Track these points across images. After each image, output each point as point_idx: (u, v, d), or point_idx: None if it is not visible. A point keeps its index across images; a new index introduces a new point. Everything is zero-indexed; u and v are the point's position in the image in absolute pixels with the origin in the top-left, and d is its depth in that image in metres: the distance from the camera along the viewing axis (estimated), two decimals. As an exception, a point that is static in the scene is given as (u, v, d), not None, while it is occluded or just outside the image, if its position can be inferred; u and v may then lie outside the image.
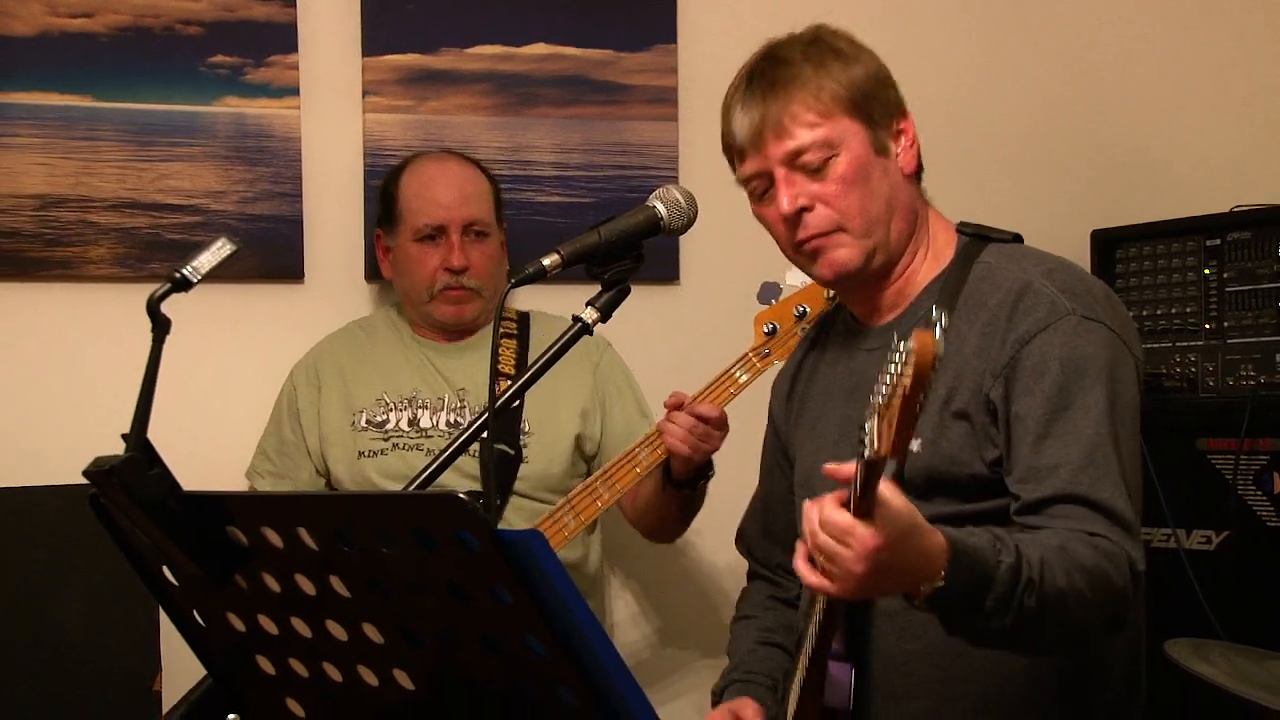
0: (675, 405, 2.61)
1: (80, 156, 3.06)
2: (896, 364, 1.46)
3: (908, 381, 1.44)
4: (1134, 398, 1.99)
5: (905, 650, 1.98)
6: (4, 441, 3.00)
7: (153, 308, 1.63)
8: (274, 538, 1.55)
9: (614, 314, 2.00)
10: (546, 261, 1.94)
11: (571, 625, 1.39)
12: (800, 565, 1.71)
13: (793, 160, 2.04)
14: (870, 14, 3.39)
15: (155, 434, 1.65)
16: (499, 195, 3.03)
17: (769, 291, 2.56)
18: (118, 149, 3.08)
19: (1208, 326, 3.10)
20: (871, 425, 1.50)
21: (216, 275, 2.93)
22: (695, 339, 3.18)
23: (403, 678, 1.57)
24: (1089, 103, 3.59)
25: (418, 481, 1.90)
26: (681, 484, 2.72)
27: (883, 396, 1.49)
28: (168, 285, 1.67)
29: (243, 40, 3.11)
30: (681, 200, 2.01)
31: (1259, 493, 2.95)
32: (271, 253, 3.13)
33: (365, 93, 3.19)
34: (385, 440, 2.92)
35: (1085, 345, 1.95)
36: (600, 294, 1.99)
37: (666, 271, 3.28)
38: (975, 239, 2.12)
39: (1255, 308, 3.02)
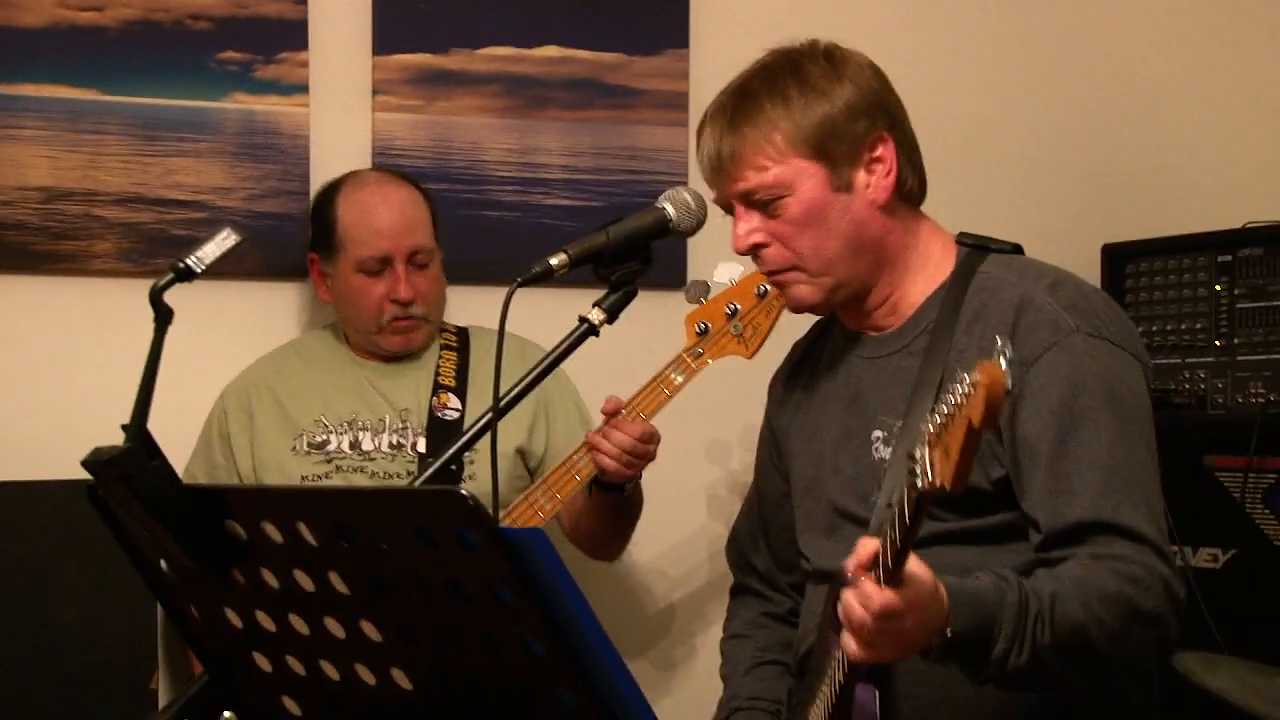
0: (612, 411, 2.56)
1: (86, 150, 3.04)
2: (959, 394, 1.44)
3: (978, 415, 1.42)
4: (1145, 409, 1.98)
5: (928, 668, 1.96)
6: (6, 434, 2.98)
7: (155, 298, 1.61)
8: (273, 533, 1.53)
9: (620, 316, 1.99)
10: (554, 261, 1.93)
11: (572, 625, 1.38)
12: (850, 645, 1.70)
13: (746, 198, 2.03)
14: (882, 25, 3.38)
15: (157, 432, 1.64)
16: (435, 211, 2.96)
17: (697, 290, 2.53)
18: (124, 143, 3.07)
19: (1218, 343, 3.08)
20: (923, 454, 1.48)
21: (222, 272, 2.93)
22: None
23: (400, 677, 1.55)
24: (1100, 116, 3.57)
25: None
26: (608, 488, 2.65)
27: (937, 425, 1.47)
28: (171, 275, 1.66)
29: (253, 36, 3.09)
30: (691, 202, 2.00)
31: (1267, 511, 2.93)
32: (278, 250, 3.11)
33: (375, 91, 3.17)
34: (329, 463, 2.86)
35: (1091, 364, 1.93)
36: (607, 295, 1.98)
37: (673, 277, 3.25)
38: (975, 250, 2.11)
39: (1266, 325, 3.00)
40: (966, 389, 1.43)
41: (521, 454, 2.92)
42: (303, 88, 3.13)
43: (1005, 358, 1.43)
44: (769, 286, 2.44)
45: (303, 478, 2.84)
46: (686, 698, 3.24)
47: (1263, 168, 3.58)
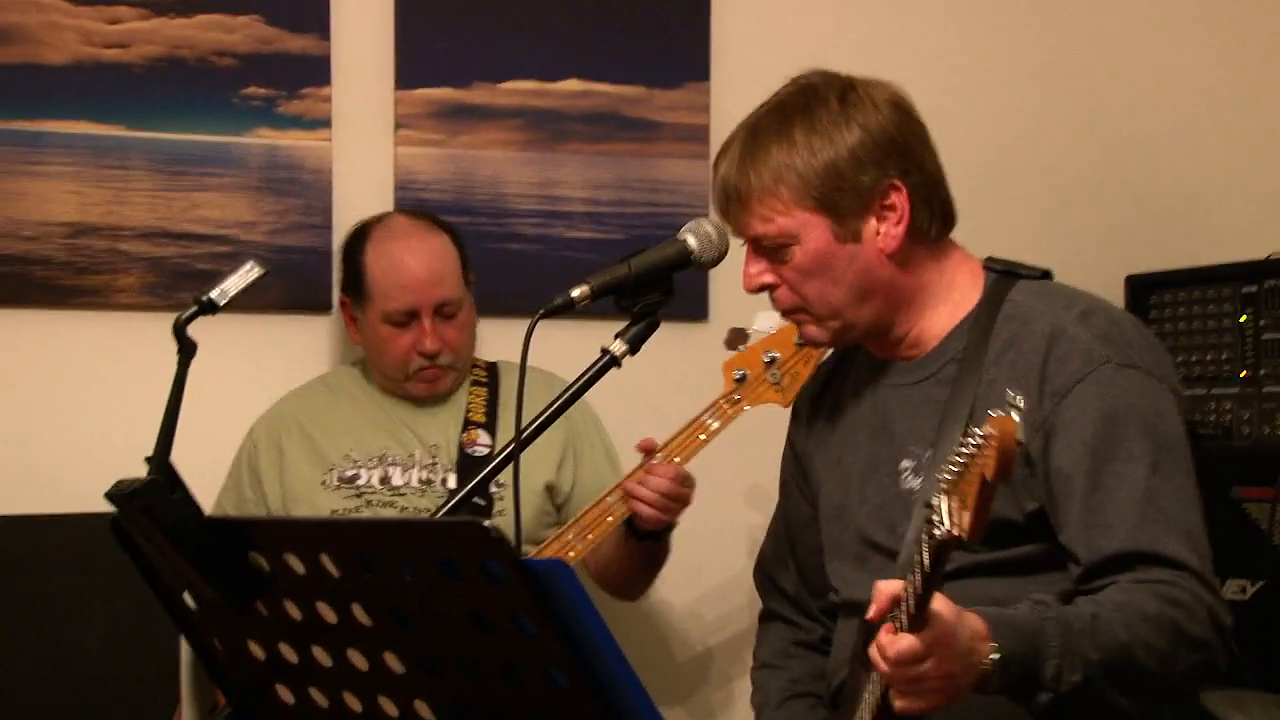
0: (648, 450, 2.56)
1: (111, 185, 3.06)
2: (972, 445, 1.45)
3: (990, 468, 1.43)
4: (1180, 437, 1.96)
5: (960, 706, 1.94)
6: (31, 468, 2.99)
7: (179, 330, 1.62)
8: (296, 564, 1.53)
9: (642, 347, 1.99)
10: (575, 293, 1.93)
11: (596, 657, 1.37)
12: (897, 703, 1.70)
13: (754, 243, 2.04)
14: (906, 54, 3.38)
15: (179, 465, 1.64)
16: (464, 254, 2.95)
17: (736, 337, 2.53)
18: (149, 178, 3.08)
19: (1243, 374, 3.07)
20: (941, 504, 1.49)
21: (243, 305, 2.93)
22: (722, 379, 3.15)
23: (424, 708, 1.55)
24: (1124, 147, 3.56)
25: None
26: (645, 535, 2.65)
27: (952, 474, 1.47)
28: (194, 308, 1.67)
29: (276, 72, 3.11)
30: (713, 233, 2.00)
31: (1291, 542, 2.92)
32: (300, 284, 3.12)
33: (397, 126, 3.19)
34: (359, 497, 2.86)
35: (1123, 394, 1.92)
36: (629, 326, 1.98)
37: (695, 309, 3.26)
38: (1003, 275, 2.10)
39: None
40: (979, 441, 1.44)
41: (550, 490, 2.92)
42: (325, 122, 3.15)
43: (1018, 409, 1.44)
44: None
45: (332, 512, 2.84)
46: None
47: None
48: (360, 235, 2.95)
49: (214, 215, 3.11)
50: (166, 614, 1.72)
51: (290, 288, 3.11)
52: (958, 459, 1.48)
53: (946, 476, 1.49)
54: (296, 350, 3.14)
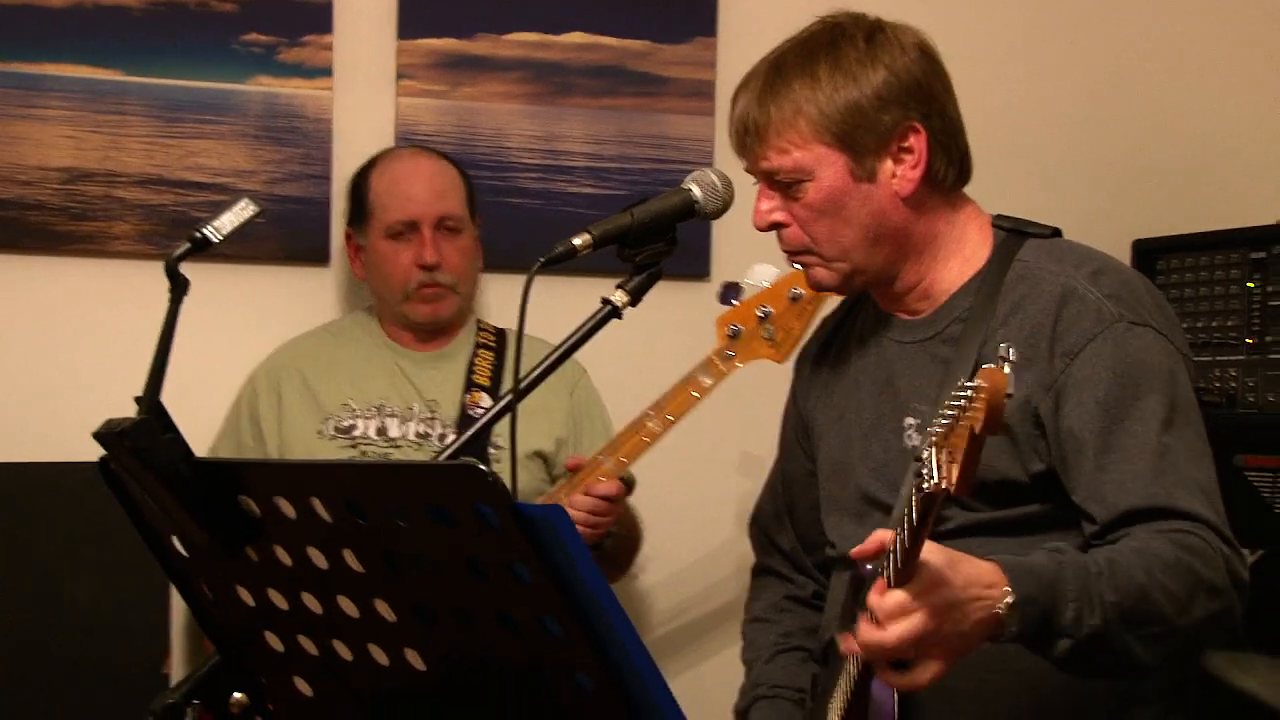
0: (574, 468, 2.54)
1: (108, 131, 3.02)
2: (964, 398, 1.44)
3: (979, 421, 1.41)
4: (1192, 399, 1.94)
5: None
6: (23, 416, 2.97)
7: (171, 268, 1.58)
8: (287, 508, 1.50)
9: (642, 301, 1.96)
10: (577, 241, 1.90)
11: (592, 606, 1.35)
12: (894, 679, 1.68)
13: (768, 177, 2.01)
14: (914, 13, 3.32)
15: (173, 416, 1.61)
16: (472, 190, 2.97)
17: (730, 292, 2.49)
18: (146, 125, 3.05)
19: (1249, 341, 3.04)
20: (930, 456, 1.47)
21: (240, 255, 2.90)
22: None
23: (414, 657, 1.52)
24: (1132, 111, 3.53)
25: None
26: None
27: (943, 427, 1.46)
28: (187, 245, 1.63)
29: (277, 19, 3.07)
30: (717, 183, 1.97)
31: (1293, 511, 2.90)
32: (297, 235, 3.09)
33: (399, 76, 3.15)
34: (354, 448, 2.84)
35: (1136, 352, 1.90)
36: (630, 276, 1.95)
37: (697, 267, 3.23)
38: (1012, 234, 2.07)
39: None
40: (970, 394, 1.43)
41: (544, 460, 2.89)
42: (326, 71, 3.11)
43: (1010, 362, 1.43)
44: (803, 290, 2.41)
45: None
46: (714, 709, 3.21)
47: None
48: (367, 165, 2.97)
49: (212, 163, 3.07)
50: (156, 560, 1.69)
51: (289, 238, 3.08)
52: (948, 412, 1.46)
53: (937, 430, 1.48)
54: (295, 302, 3.11)
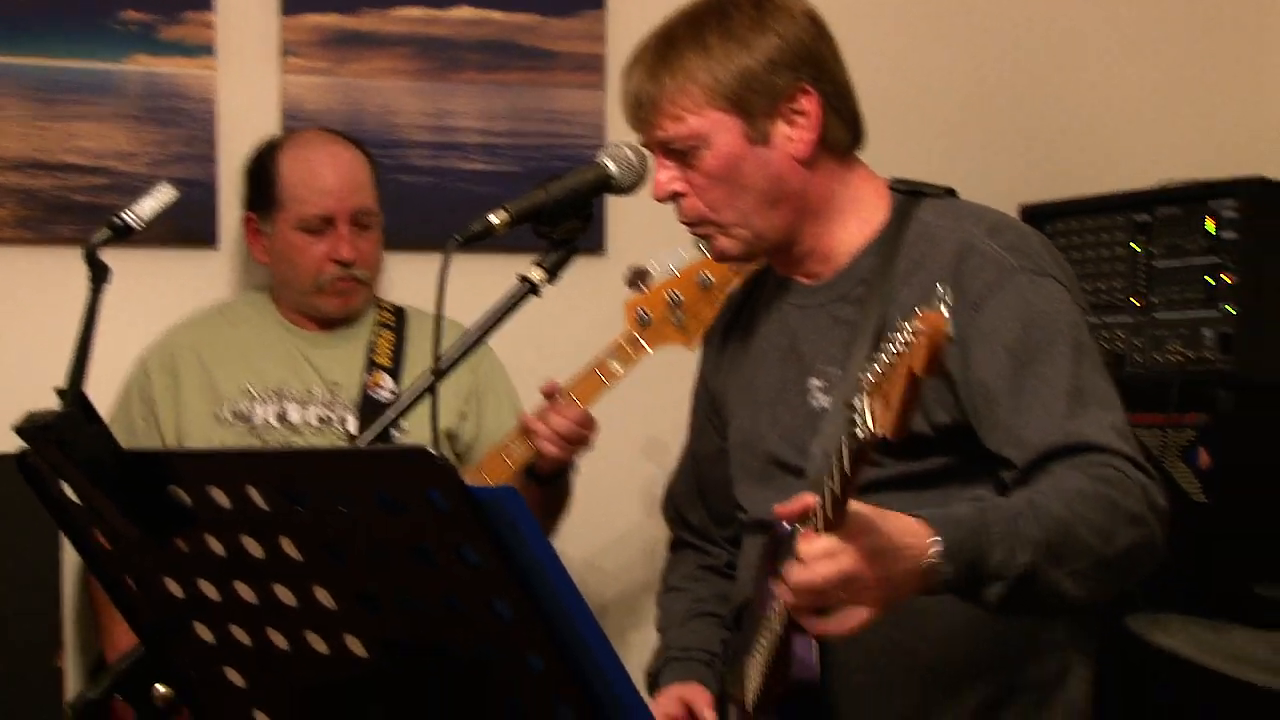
0: (549, 393, 2.52)
1: (-19, 114, 2.93)
2: (899, 343, 1.43)
3: (920, 363, 1.41)
4: (1095, 346, 1.98)
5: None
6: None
7: (91, 255, 1.54)
8: (221, 497, 1.47)
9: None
10: (494, 219, 1.88)
11: (545, 586, 1.34)
12: (819, 626, 1.67)
13: (664, 147, 2.02)
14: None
15: (50, 401, 1.57)
16: (378, 175, 2.91)
17: (639, 277, 2.49)
18: (21, 106, 2.96)
19: (1135, 302, 3.11)
20: (863, 403, 1.47)
21: (123, 240, 2.83)
22: (620, 313, 3.12)
23: (355, 644, 1.50)
24: (1019, 75, 3.58)
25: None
26: (544, 480, 2.63)
27: (876, 374, 1.46)
28: (107, 232, 1.58)
29: (155, -5, 3.00)
30: (632, 157, 1.97)
31: (1185, 468, 2.96)
32: (184, 217, 2.99)
33: (284, 53, 3.09)
34: (253, 434, 2.79)
35: (1040, 301, 1.93)
36: (547, 253, 1.94)
37: (591, 242, 3.21)
38: (909, 195, 2.09)
39: (1183, 283, 3.03)
40: (908, 337, 1.42)
41: (450, 438, 2.87)
42: (208, 49, 3.04)
43: (947, 304, 1.42)
44: (713, 276, 2.42)
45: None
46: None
47: (1178, 126, 3.61)
48: (271, 147, 2.88)
49: (91, 146, 2.99)
50: (78, 553, 1.65)
51: (175, 221, 2.98)
52: (883, 357, 1.46)
53: (869, 377, 1.47)
54: (182, 285, 3.05)
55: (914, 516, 1.68)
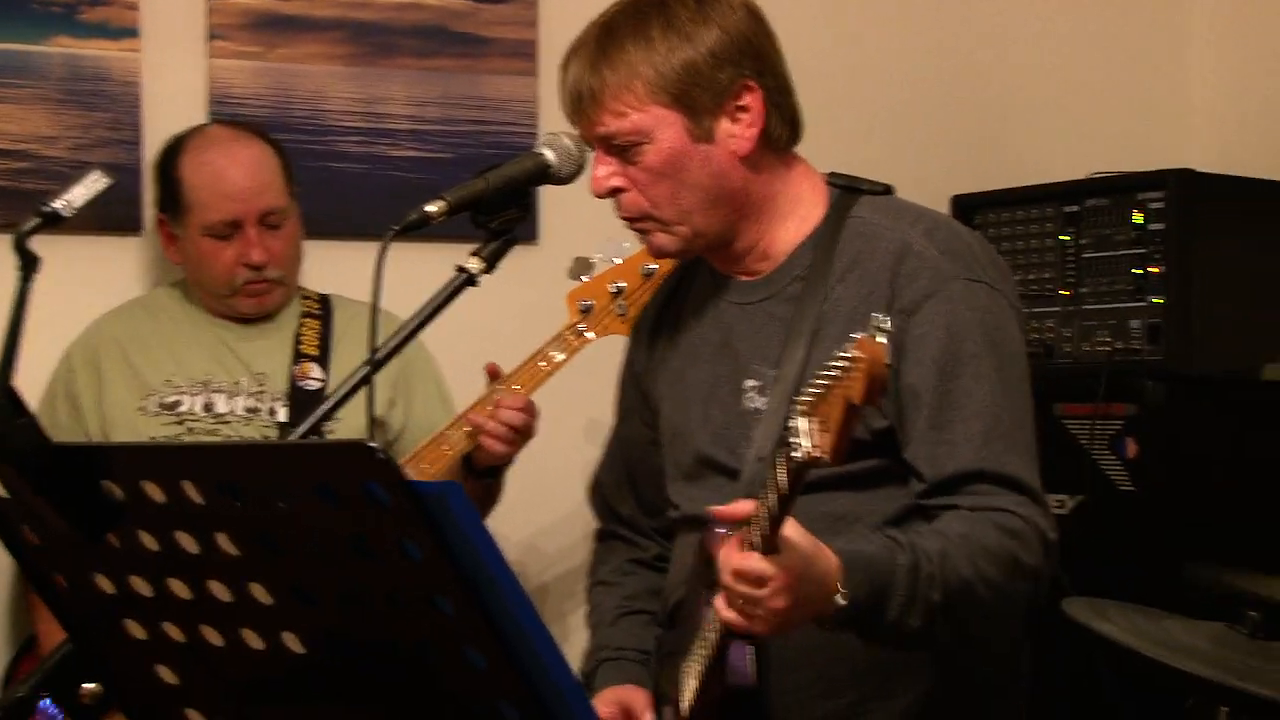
0: (494, 374, 2.53)
1: (-105, 96, 2.86)
2: (837, 367, 1.45)
3: (858, 393, 1.43)
4: (1021, 354, 2.01)
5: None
6: None
7: (20, 244, 1.50)
8: (155, 492, 1.44)
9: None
10: (431, 209, 1.86)
11: (487, 581, 1.32)
12: (724, 612, 1.71)
13: (605, 142, 1.99)
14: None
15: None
16: (290, 167, 2.85)
17: (581, 267, 2.49)
18: (-63, 89, 2.90)
19: (1064, 293, 3.13)
20: (801, 425, 1.48)
21: (45, 226, 2.78)
22: (553, 302, 3.10)
23: (292, 640, 1.48)
24: (950, 69, 3.60)
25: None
26: (482, 473, 2.62)
27: (814, 395, 1.47)
28: (36, 220, 1.55)
29: (77, -24, 2.94)
30: (571, 146, 1.95)
31: (1113, 457, 3.00)
32: (108, 203, 2.91)
33: (211, 36, 3.04)
34: (180, 424, 2.74)
35: (970, 311, 1.94)
36: (486, 243, 1.92)
37: (524, 231, 3.18)
38: (846, 191, 2.09)
39: (1111, 274, 3.06)
40: (845, 364, 1.44)
41: (380, 426, 2.84)
42: (133, 31, 2.98)
43: (886, 331, 1.45)
44: (655, 266, 2.41)
45: (153, 440, 2.71)
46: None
47: (1107, 119, 3.64)
48: (174, 148, 2.81)
49: (11, 129, 2.93)
50: (6, 549, 1.61)
51: (98, 207, 2.92)
52: (821, 380, 1.47)
53: (807, 398, 1.48)
54: (107, 272, 2.99)
55: (834, 552, 1.72)
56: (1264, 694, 1.70)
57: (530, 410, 2.52)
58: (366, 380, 1.82)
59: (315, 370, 2.81)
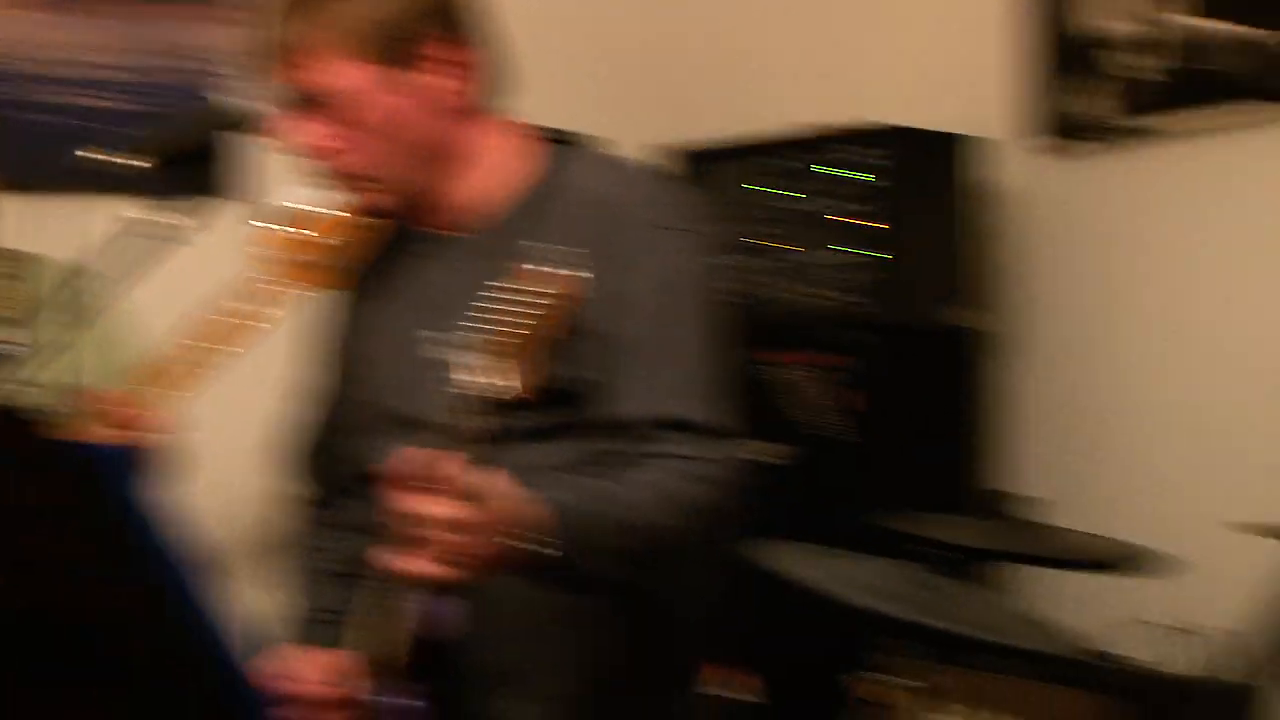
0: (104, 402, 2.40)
1: None
2: (524, 302, 1.46)
3: (549, 323, 1.45)
4: (725, 302, 2.04)
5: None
6: None
7: None
8: None
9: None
10: (122, 160, 1.82)
11: (153, 553, 1.25)
12: (419, 564, 1.67)
13: (306, 98, 1.95)
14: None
15: None
16: None
17: (267, 215, 2.41)
18: None
19: (787, 246, 3.18)
20: (482, 361, 1.50)
21: None
22: (249, 255, 3.02)
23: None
24: (675, 20, 3.61)
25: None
26: None
27: (499, 332, 1.48)
28: None
29: None
30: (261, 96, 1.88)
31: (823, 406, 3.06)
32: None
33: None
34: None
35: (678, 262, 1.96)
36: (176, 196, 1.86)
37: (217, 184, 3.10)
38: (553, 144, 2.08)
39: (833, 228, 3.10)
40: (530, 299, 1.45)
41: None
42: None
43: (579, 266, 1.49)
44: (346, 215, 2.33)
45: None
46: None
47: (832, 73, 3.67)
48: None
49: None
50: None
51: None
52: (505, 317, 1.48)
53: (492, 336, 1.49)
54: None
55: (530, 500, 1.72)
56: (937, 625, 1.77)
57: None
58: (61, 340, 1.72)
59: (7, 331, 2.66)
